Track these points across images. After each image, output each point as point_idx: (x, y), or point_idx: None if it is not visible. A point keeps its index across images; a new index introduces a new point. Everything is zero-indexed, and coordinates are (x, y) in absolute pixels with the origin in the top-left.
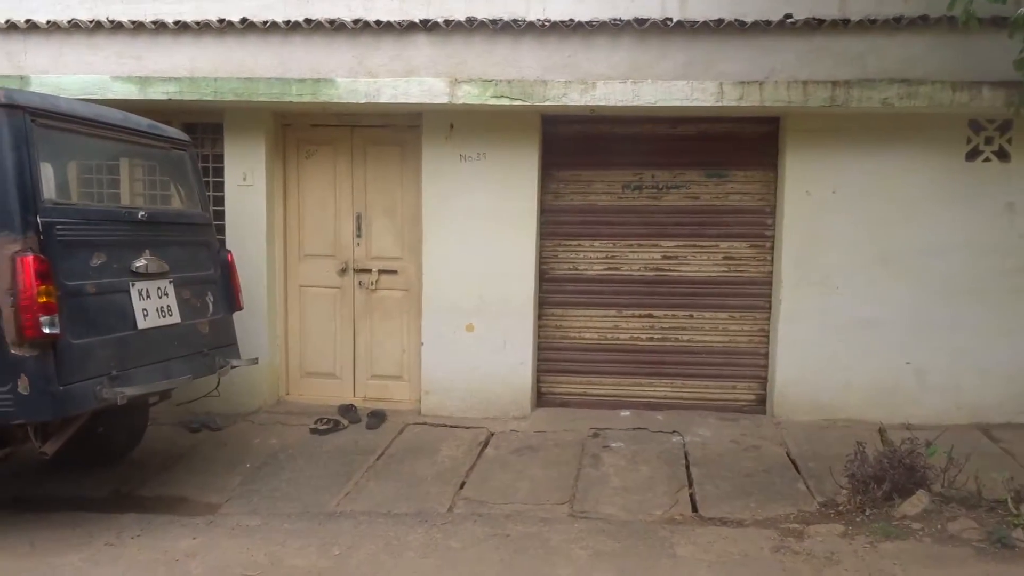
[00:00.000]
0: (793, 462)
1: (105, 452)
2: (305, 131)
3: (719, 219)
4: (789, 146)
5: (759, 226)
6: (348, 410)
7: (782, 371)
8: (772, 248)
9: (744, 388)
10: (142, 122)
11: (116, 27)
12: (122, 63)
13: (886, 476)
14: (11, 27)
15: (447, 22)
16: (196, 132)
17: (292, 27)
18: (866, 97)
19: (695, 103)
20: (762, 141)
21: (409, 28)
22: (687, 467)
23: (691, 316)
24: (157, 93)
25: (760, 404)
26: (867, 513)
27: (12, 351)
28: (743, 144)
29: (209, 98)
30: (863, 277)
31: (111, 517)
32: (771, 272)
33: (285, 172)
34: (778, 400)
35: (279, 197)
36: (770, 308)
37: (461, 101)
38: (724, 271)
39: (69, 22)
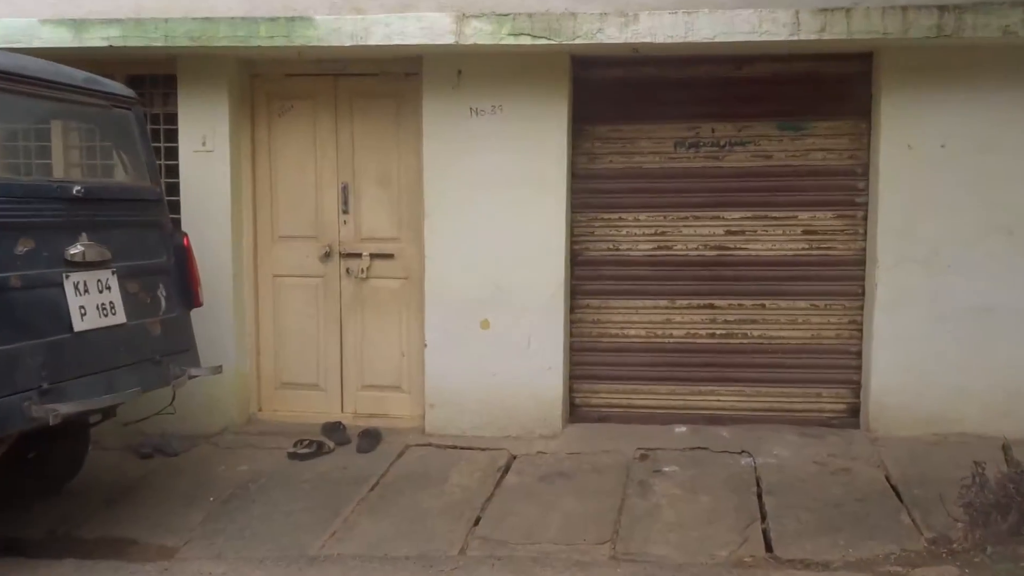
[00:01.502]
0: (894, 488)
1: (38, 483)
2: (278, 83)
3: (797, 183)
4: (885, 89)
5: (848, 191)
6: (335, 429)
7: (879, 374)
8: (865, 218)
9: (831, 396)
10: (77, 75)
11: None
12: (54, 4)
13: (1012, 505)
14: None
15: None
16: (144, 86)
17: None
18: (982, 25)
19: (764, 37)
20: (850, 84)
21: None
22: (759, 496)
23: (763, 306)
24: (95, 39)
25: (851, 416)
26: (988, 552)
27: None
28: (826, 88)
29: (159, 44)
30: (981, 253)
31: (45, 565)
32: (864, 249)
33: (254, 134)
34: (874, 410)
35: (246, 165)
36: (863, 294)
37: (471, 41)
38: (804, 248)
39: None
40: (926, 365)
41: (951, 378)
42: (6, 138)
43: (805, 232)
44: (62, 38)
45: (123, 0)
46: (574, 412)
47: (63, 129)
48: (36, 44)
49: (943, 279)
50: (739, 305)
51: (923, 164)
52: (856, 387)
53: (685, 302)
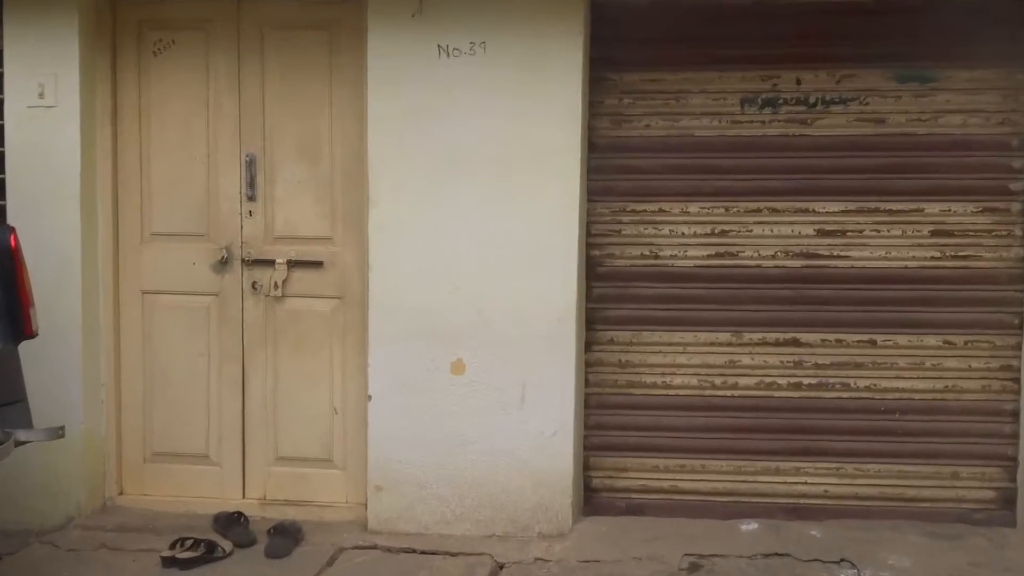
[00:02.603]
0: None
1: None
2: (153, 7)
3: (923, 160)
4: None
5: (998, 173)
6: (233, 522)
7: None
8: (1023, 213)
9: (974, 477)
10: None
11: None
12: None
13: None
14: None
15: None
16: None
17: None
18: None
19: None
20: (1002, 15)
21: None
22: None
23: (872, 343)
24: None
25: (1005, 507)
26: None
27: None
28: (968, 21)
29: None
30: None
31: None
32: (1022, 258)
33: (117, 82)
34: None
35: (105, 128)
36: (1022, 327)
37: None
38: (934, 257)
39: None
40: None
41: None
42: None
43: (935, 233)
44: None
45: None
46: (591, 499)
47: None
48: None
49: None
50: (837, 341)
51: None
52: (1011, 465)
53: (757, 336)
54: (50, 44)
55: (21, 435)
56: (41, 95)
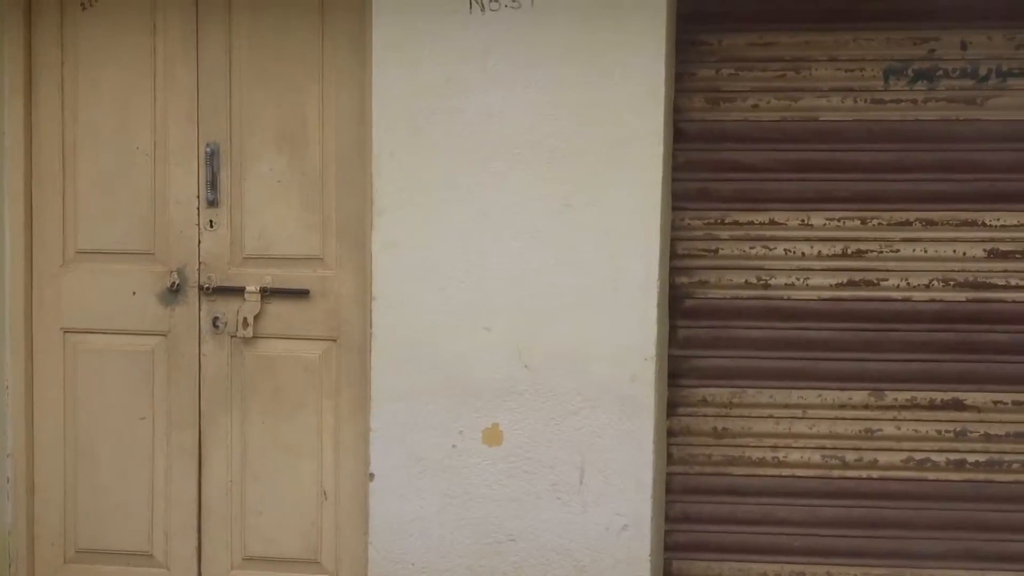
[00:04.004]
0: None
1: None
2: None
3: None
4: None
5: None
6: None
7: None
8: None
9: None
10: None
11: None
12: None
13: None
14: None
15: None
16: None
17: None
18: None
19: None
20: None
21: None
22: None
23: None
24: None
25: None
26: None
27: None
28: None
29: None
30: None
31: None
32: None
33: (31, 46)
34: None
35: (16, 107)
36: None
37: None
38: None
39: None
40: None
41: None
42: None
43: None
44: None
45: None
46: None
47: None
48: None
49: None
50: (1016, 404)
51: None
52: None
53: (905, 396)
54: None
55: None
56: None
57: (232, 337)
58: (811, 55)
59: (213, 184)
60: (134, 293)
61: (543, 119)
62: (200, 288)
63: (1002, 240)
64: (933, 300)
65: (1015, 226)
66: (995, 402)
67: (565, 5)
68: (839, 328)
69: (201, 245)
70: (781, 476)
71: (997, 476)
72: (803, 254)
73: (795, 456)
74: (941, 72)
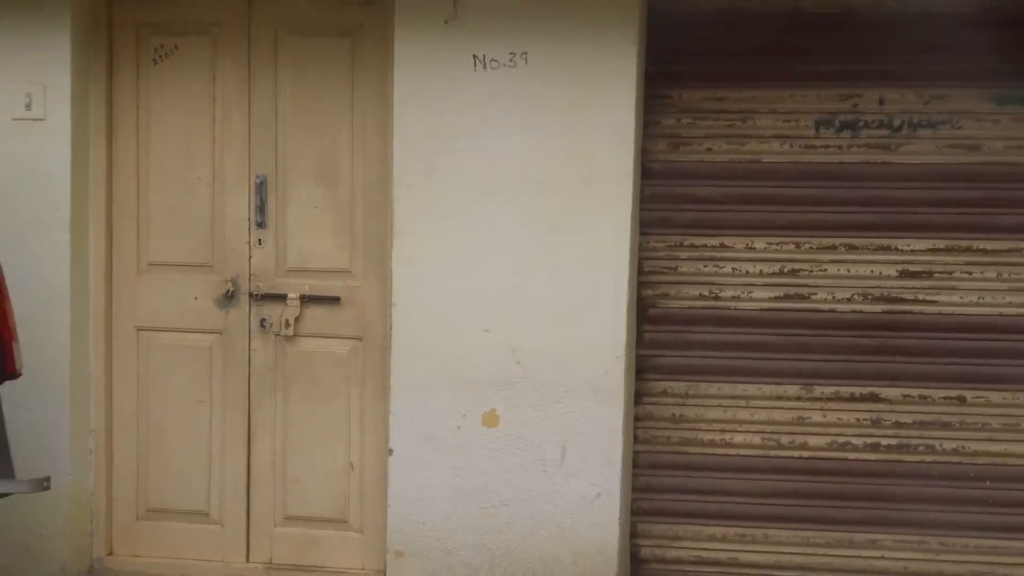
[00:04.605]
0: None
1: None
2: (153, 8)
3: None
4: None
5: None
6: None
7: None
8: None
9: None
10: None
11: None
12: None
13: None
14: None
15: None
16: None
17: None
18: None
19: None
20: None
21: None
22: None
23: (961, 399)
24: None
25: None
26: None
27: None
28: None
29: None
30: None
31: None
32: None
33: (112, 94)
34: None
35: (99, 144)
36: None
37: None
38: None
39: None
40: None
41: None
42: None
43: None
44: None
45: None
46: (638, 571)
47: None
48: None
49: None
50: (921, 398)
51: None
52: None
53: (830, 390)
54: (39, 49)
55: (1, 486)
56: (28, 106)
57: (276, 335)
58: (755, 108)
59: (261, 209)
60: (196, 298)
61: (534, 159)
62: (250, 295)
63: (911, 262)
64: (854, 311)
65: (922, 251)
66: (904, 396)
67: (553, 66)
68: (776, 333)
69: (251, 259)
70: (727, 455)
71: (905, 457)
72: (747, 272)
73: (739, 439)
74: (862, 123)
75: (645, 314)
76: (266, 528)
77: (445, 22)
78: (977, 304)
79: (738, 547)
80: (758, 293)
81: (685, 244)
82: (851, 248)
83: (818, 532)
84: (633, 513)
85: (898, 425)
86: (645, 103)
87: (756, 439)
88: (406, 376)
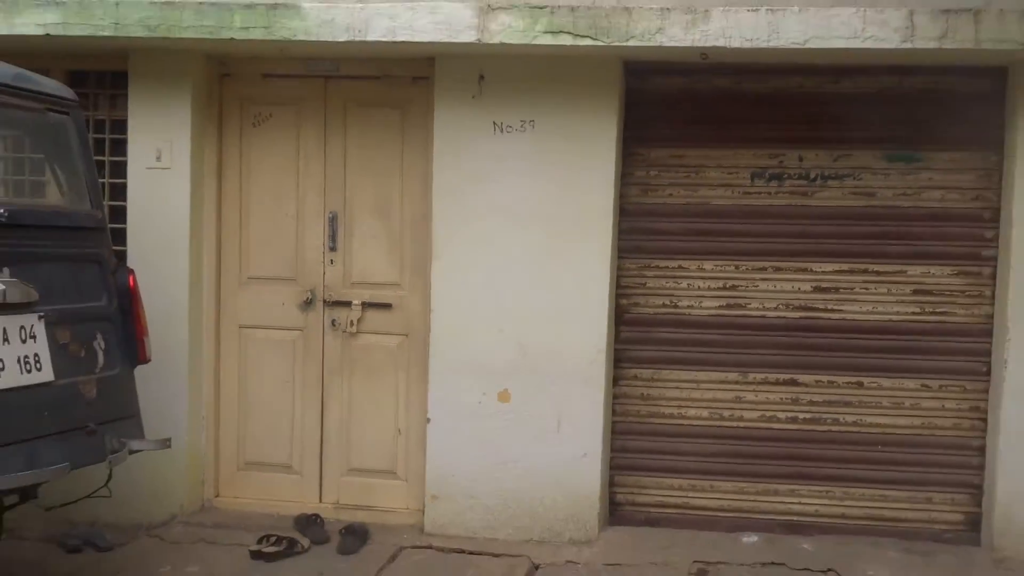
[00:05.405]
0: None
1: None
2: (254, 85)
3: (907, 229)
4: (1022, 114)
5: (972, 241)
6: (311, 523)
7: (1008, 477)
8: (993, 277)
9: (945, 503)
10: (5, 72)
11: None
12: None
13: None
14: None
15: None
16: (87, 85)
17: None
18: None
19: (869, 44)
20: (978, 105)
21: None
22: None
23: (859, 384)
24: (29, 25)
25: (971, 529)
26: None
27: None
28: (947, 110)
29: (107, 33)
30: None
31: None
32: (991, 315)
33: (222, 148)
34: (1000, 524)
35: (211, 186)
36: (989, 374)
37: (497, 40)
38: (914, 313)
39: None
40: None
41: None
42: None
43: (916, 292)
44: None
45: None
46: (615, 512)
47: None
48: None
49: None
50: (829, 382)
51: None
52: (977, 493)
53: (760, 376)
54: (167, 115)
55: (134, 445)
56: (158, 158)
57: (343, 332)
58: (705, 163)
59: (333, 237)
60: (283, 304)
61: (538, 200)
62: (324, 302)
63: (822, 280)
64: (779, 317)
65: (831, 272)
66: (816, 381)
67: (553, 131)
68: (720, 333)
69: (325, 275)
70: (682, 425)
71: (816, 427)
72: (698, 287)
73: (691, 412)
74: (786, 175)
75: (621, 318)
76: (334, 477)
77: (472, 97)
78: (872, 312)
79: (690, 494)
80: (707, 303)
81: (652, 266)
82: (777, 269)
83: (750, 483)
84: (611, 468)
85: (812, 403)
86: (623, 159)
87: (704, 413)
88: (441, 364)
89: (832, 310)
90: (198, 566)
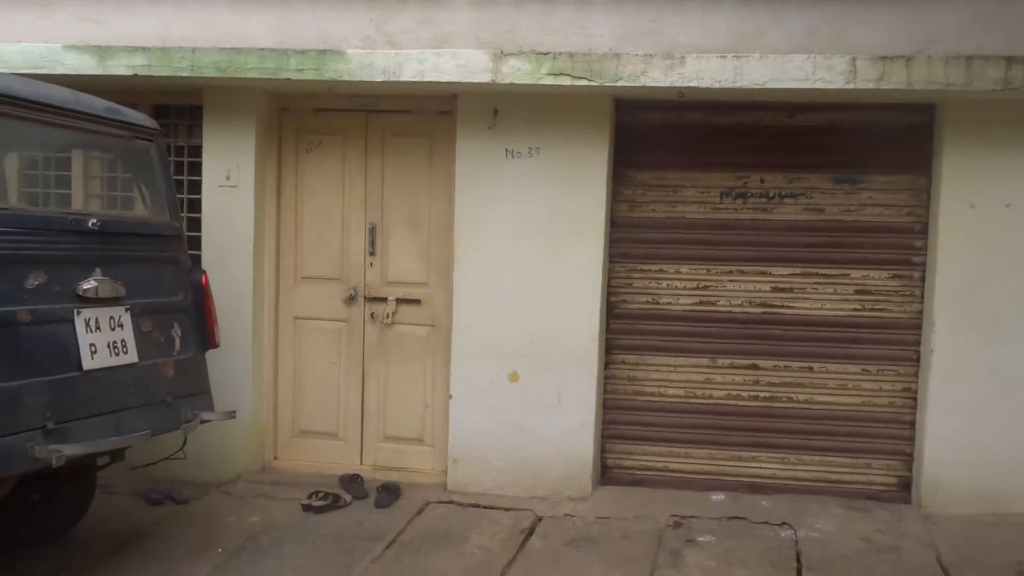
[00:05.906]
0: (945, 571)
1: (39, 529)
2: (307, 117)
3: (850, 239)
4: (947, 143)
5: (904, 249)
6: (352, 481)
7: (934, 446)
8: (922, 279)
9: (881, 468)
10: (97, 104)
11: None
12: (81, 28)
13: None
14: None
15: None
16: (169, 117)
17: None
18: None
19: (818, 85)
20: (910, 136)
21: None
22: (799, 572)
23: (810, 368)
24: (120, 67)
25: (902, 490)
26: None
27: None
28: (884, 140)
29: (185, 74)
30: None
31: None
32: (920, 312)
33: (280, 170)
34: (927, 485)
35: (271, 202)
36: (918, 360)
37: (508, 80)
38: (856, 309)
39: None
40: (985, 438)
41: (1013, 453)
42: (24, 167)
43: (858, 292)
44: (86, 64)
45: (150, 27)
46: (605, 474)
47: (83, 159)
48: (59, 71)
49: (1006, 347)
50: (785, 367)
51: (986, 224)
52: (908, 459)
53: (727, 361)
54: (235, 142)
55: (205, 415)
56: (228, 178)
57: (381, 323)
58: (682, 184)
59: (372, 244)
60: (330, 299)
61: (543, 213)
62: (365, 297)
63: (779, 282)
64: (744, 312)
65: (787, 275)
66: (774, 365)
67: (555, 156)
68: (694, 326)
69: (366, 275)
70: (662, 401)
71: (774, 404)
72: (676, 287)
73: (670, 391)
74: (750, 194)
75: (611, 313)
76: (373, 443)
77: (488, 128)
78: (821, 309)
79: (669, 459)
80: (683, 300)
81: (637, 269)
82: (742, 272)
83: (719, 451)
84: (603, 437)
85: (770, 384)
86: (613, 180)
87: (680, 392)
88: (461, 349)
89: (787, 306)
90: (259, 516)
